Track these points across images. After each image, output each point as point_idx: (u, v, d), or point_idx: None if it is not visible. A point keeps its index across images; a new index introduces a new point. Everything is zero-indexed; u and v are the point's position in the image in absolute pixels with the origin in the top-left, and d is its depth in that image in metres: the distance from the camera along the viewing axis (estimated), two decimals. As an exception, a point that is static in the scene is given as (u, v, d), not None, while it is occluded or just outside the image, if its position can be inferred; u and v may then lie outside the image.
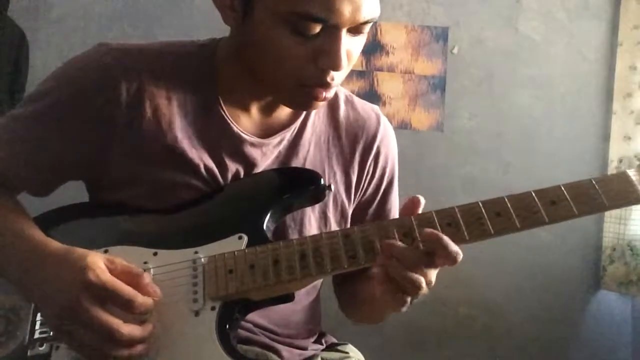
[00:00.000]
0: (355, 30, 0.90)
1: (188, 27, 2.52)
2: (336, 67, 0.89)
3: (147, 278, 0.87)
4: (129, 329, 0.83)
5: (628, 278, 2.59)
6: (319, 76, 0.91)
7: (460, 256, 0.83)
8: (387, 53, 2.74)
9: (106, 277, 0.83)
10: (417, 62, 2.75)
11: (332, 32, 0.87)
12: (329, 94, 0.94)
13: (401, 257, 0.83)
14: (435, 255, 0.83)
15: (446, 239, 0.83)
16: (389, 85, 2.74)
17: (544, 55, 2.76)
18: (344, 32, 0.88)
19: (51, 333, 0.89)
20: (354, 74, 2.70)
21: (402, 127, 2.72)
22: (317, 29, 0.86)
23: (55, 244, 0.90)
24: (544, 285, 2.73)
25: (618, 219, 2.62)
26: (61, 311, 0.83)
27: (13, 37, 2.28)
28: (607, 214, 2.68)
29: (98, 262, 0.84)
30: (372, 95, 2.70)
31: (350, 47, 0.91)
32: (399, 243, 0.85)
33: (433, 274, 0.87)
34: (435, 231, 0.85)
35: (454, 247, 0.83)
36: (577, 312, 2.76)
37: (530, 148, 2.74)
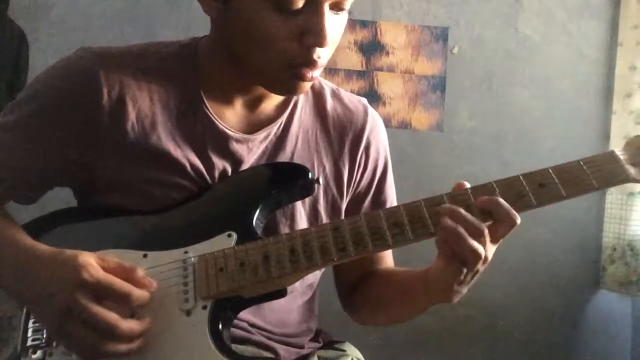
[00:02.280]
0: (337, 6, 0.90)
1: (188, 27, 2.52)
2: (321, 43, 0.89)
3: (140, 272, 0.87)
4: (128, 324, 0.84)
5: (628, 278, 2.58)
6: (305, 55, 0.91)
7: (518, 219, 0.85)
8: (387, 53, 2.74)
9: (100, 273, 0.84)
10: (417, 62, 2.75)
11: (315, 7, 0.88)
12: (315, 74, 0.94)
13: (464, 224, 0.84)
14: (494, 220, 0.85)
15: (503, 201, 0.85)
16: (389, 85, 2.73)
17: (544, 55, 2.76)
18: (326, 7, 0.88)
19: (44, 340, 0.90)
20: (354, 74, 2.70)
21: (402, 127, 2.71)
22: (300, 3, 0.87)
23: (43, 247, 0.90)
24: (544, 285, 2.73)
25: (618, 219, 2.61)
26: (58, 312, 0.83)
27: (13, 37, 2.28)
28: (607, 213, 2.68)
29: (90, 260, 0.85)
30: (372, 95, 2.70)
31: (333, 25, 0.92)
32: (461, 209, 0.86)
33: (491, 249, 0.87)
34: (492, 197, 0.86)
35: (511, 209, 0.84)
36: (577, 311, 2.76)
37: (530, 148, 2.73)
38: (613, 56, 2.74)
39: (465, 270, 0.87)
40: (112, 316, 0.83)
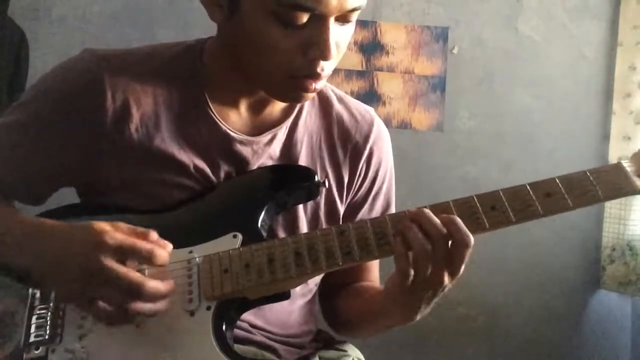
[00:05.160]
0: (343, 18, 0.90)
1: (188, 27, 2.52)
2: (326, 57, 0.89)
3: (154, 234, 0.87)
4: (154, 283, 0.84)
5: (627, 278, 2.59)
6: (309, 67, 0.90)
7: (471, 239, 0.83)
8: (387, 53, 2.74)
9: (121, 235, 0.84)
10: (417, 62, 2.75)
11: (320, 21, 0.87)
12: (319, 85, 0.94)
13: (426, 225, 0.83)
14: (453, 242, 0.83)
15: (459, 220, 0.84)
16: (389, 85, 2.73)
17: (544, 55, 2.76)
18: (331, 21, 0.88)
19: (47, 336, 0.90)
20: (353, 74, 2.70)
21: (402, 127, 2.72)
22: (305, 18, 0.86)
23: (51, 221, 0.90)
24: (544, 284, 2.73)
25: (618, 219, 2.62)
26: (82, 277, 0.82)
27: (13, 37, 2.27)
28: (606, 213, 2.68)
29: (106, 226, 0.84)
30: (372, 95, 2.70)
31: (339, 36, 0.91)
32: (426, 212, 0.85)
33: (445, 273, 0.86)
34: (450, 215, 0.85)
35: (465, 229, 0.83)
36: (577, 311, 2.76)
37: (530, 148, 2.74)
38: (613, 56, 2.74)
39: (412, 277, 0.85)
40: (137, 275, 0.83)
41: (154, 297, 0.84)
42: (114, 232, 0.84)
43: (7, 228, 0.93)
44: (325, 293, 1.18)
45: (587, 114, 2.77)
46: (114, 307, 0.83)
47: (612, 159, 2.66)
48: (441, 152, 2.73)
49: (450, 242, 0.84)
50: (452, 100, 2.74)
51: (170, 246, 0.88)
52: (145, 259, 0.84)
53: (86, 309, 0.86)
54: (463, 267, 0.86)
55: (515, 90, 2.76)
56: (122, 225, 0.86)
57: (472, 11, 2.75)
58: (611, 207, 2.65)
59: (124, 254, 0.83)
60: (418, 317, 0.93)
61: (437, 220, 0.84)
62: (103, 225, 0.84)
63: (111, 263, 0.82)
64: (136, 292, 0.82)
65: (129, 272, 0.82)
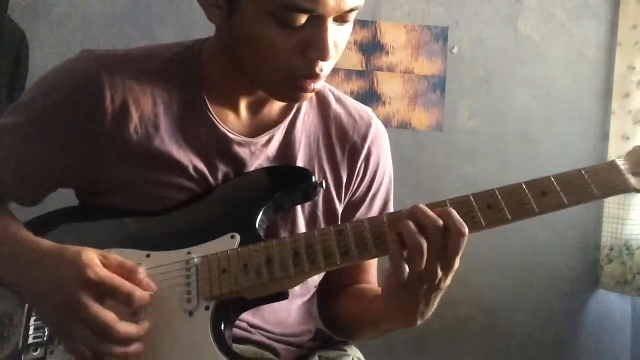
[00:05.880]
0: (341, 19, 0.90)
1: (188, 27, 2.52)
2: (324, 57, 0.89)
3: (141, 273, 0.87)
4: (125, 327, 0.84)
5: (625, 277, 2.60)
6: (308, 68, 0.91)
7: (466, 228, 0.83)
8: (387, 53, 2.74)
9: (105, 273, 0.84)
10: (417, 62, 2.75)
11: (318, 22, 0.87)
12: (318, 86, 0.94)
13: (421, 218, 0.83)
14: (448, 232, 0.83)
15: (453, 211, 0.84)
16: (389, 85, 2.73)
17: (544, 55, 2.76)
18: (330, 21, 0.88)
19: (45, 338, 0.89)
20: (353, 74, 2.70)
21: (402, 127, 2.72)
22: (303, 20, 0.87)
23: (47, 243, 0.90)
24: (544, 284, 2.73)
25: (616, 219, 2.63)
26: (59, 309, 0.83)
27: (13, 37, 2.27)
28: (605, 213, 2.69)
29: (94, 259, 0.84)
30: (372, 95, 2.70)
31: (337, 36, 0.91)
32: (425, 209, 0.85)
33: (442, 269, 0.86)
34: (444, 207, 0.85)
35: (460, 219, 0.84)
36: (576, 311, 2.76)
37: (530, 148, 2.74)
38: (612, 56, 2.75)
39: (407, 273, 0.85)
40: (109, 317, 0.82)
41: (125, 340, 0.84)
42: (100, 267, 0.84)
43: (5, 242, 0.93)
44: (322, 296, 1.18)
45: (586, 114, 2.77)
46: (86, 346, 0.83)
47: (611, 158, 2.66)
48: (441, 152, 2.73)
49: (445, 234, 0.83)
50: (452, 100, 2.74)
51: (154, 287, 0.88)
52: (124, 301, 0.84)
53: (62, 342, 0.87)
54: (458, 261, 0.86)
55: (515, 90, 2.76)
56: (113, 257, 0.87)
57: (472, 11, 2.75)
58: (610, 207, 2.66)
59: (104, 292, 0.83)
60: (419, 322, 0.93)
61: (432, 213, 0.84)
62: (91, 257, 0.84)
63: (88, 301, 0.82)
64: (105, 334, 0.82)
65: (102, 312, 0.82)
